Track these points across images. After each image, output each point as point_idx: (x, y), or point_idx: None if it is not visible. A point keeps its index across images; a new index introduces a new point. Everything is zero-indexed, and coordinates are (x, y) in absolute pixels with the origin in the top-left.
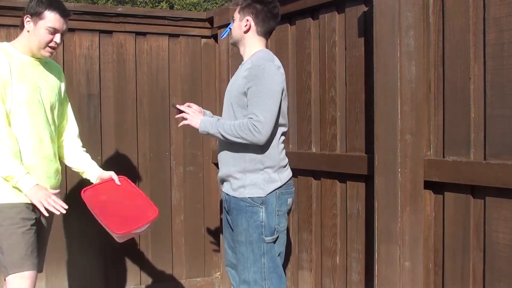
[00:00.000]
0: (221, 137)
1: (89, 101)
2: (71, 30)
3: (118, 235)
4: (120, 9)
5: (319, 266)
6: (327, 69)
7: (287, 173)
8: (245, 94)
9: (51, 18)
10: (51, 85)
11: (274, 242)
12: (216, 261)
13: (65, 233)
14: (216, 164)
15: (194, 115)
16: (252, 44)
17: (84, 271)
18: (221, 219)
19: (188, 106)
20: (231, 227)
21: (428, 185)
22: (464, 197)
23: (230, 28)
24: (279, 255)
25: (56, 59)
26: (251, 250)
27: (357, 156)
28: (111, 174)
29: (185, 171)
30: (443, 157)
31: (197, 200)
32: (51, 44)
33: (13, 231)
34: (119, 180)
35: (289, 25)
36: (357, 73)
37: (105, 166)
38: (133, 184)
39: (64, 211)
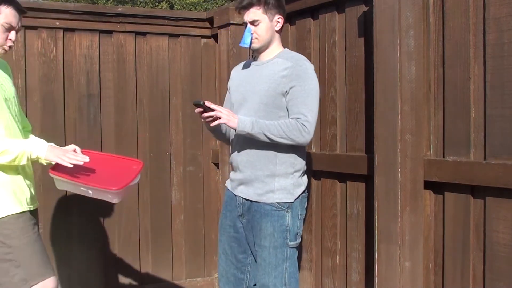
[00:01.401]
0: (264, 138)
1: (89, 101)
2: (71, 30)
3: (116, 191)
4: (120, 9)
5: (319, 266)
6: (327, 69)
7: (306, 176)
8: (284, 94)
9: (7, 14)
10: (9, 82)
11: (297, 247)
12: (216, 261)
13: (65, 233)
14: (217, 164)
15: (229, 113)
16: (277, 43)
17: (84, 271)
18: None
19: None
20: (237, 232)
21: (428, 185)
22: (464, 197)
23: (251, 33)
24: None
25: (56, 59)
26: (274, 255)
27: (357, 156)
28: (73, 147)
29: (185, 171)
30: (443, 157)
31: (197, 200)
32: (9, 44)
33: (26, 241)
34: (84, 153)
35: (289, 25)
36: (357, 73)
37: None
38: (100, 152)
39: (88, 160)
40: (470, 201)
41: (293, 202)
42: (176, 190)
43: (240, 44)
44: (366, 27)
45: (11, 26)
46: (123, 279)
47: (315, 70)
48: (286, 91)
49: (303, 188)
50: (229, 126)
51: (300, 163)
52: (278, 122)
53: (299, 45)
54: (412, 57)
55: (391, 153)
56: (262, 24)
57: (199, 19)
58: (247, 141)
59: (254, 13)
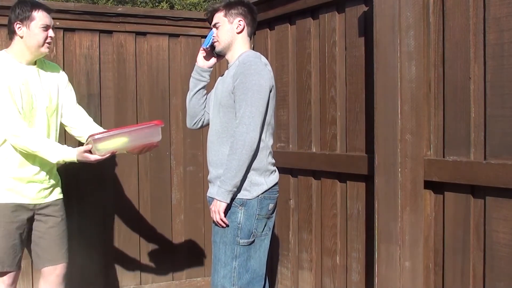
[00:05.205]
0: (239, 178)
1: (89, 101)
2: (71, 30)
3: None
4: (120, 9)
5: (319, 266)
6: (327, 69)
7: (274, 177)
8: (233, 92)
9: (41, 16)
10: (47, 91)
11: (249, 245)
12: None
13: None
14: None
15: (212, 212)
16: (240, 46)
17: (84, 271)
18: None
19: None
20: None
21: (428, 185)
22: (464, 197)
23: (213, 36)
24: (257, 262)
25: (56, 59)
26: (223, 251)
27: (357, 156)
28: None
29: (185, 171)
30: (443, 157)
31: (197, 200)
32: (48, 40)
33: (4, 227)
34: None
35: (289, 25)
36: (357, 73)
37: (105, 165)
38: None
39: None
40: (470, 201)
41: (250, 200)
42: (176, 190)
43: (202, 45)
44: (366, 27)
45: (47, 25)
46: (123, 279)
47: (315, 70)
48: (232, 91)
49: (264, 187)
50: (222, 208)
51: (260, 162)
52: (227, 158)
53: (299, 45)
54: (412, 57)
55: (391, 153)
56: (221, 27)
57: (199, 19)
58: (211, 141)
59: (216, 17)
